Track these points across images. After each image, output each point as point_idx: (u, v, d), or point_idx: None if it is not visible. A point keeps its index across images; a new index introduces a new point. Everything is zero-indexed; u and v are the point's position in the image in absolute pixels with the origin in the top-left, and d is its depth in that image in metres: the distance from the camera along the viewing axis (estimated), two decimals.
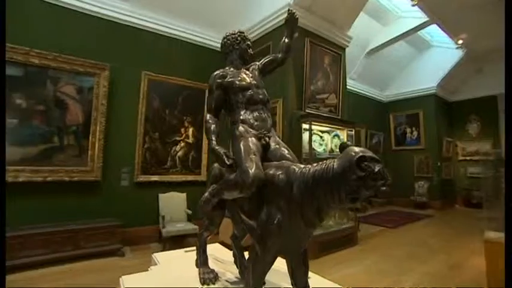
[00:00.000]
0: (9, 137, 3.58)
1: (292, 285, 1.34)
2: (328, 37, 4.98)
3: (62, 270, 3.36)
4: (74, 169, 4.01)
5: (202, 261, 1.71)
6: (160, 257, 2.13)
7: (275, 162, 1.36)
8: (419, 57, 9.19)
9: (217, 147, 1.45)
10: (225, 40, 1.80)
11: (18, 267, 3.24)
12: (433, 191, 8.69)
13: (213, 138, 1.50)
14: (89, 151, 4.13)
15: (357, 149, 1.05)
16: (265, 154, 1.44)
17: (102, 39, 4.38)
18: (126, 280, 1.67)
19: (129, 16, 4.59)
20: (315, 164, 1.16)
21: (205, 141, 5.33)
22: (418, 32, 7.64)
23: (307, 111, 4.53)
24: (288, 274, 1.35)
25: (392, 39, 7.43)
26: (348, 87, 7.47)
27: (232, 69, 1.70)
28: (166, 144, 4.96)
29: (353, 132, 4.90)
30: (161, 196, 4.69)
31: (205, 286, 1.55)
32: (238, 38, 1.76)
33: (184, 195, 4.88)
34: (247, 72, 1.71)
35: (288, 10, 1.73)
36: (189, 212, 4.68)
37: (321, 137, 4.62)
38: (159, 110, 4.90)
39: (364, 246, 4.62)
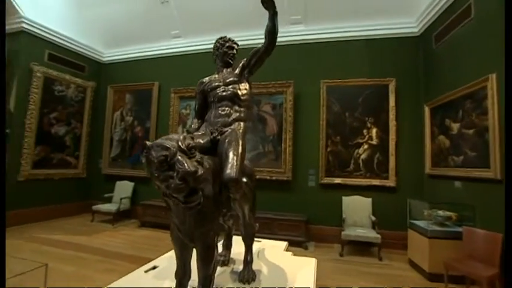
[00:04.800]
0: None
1: None
2: None
3: None
4: (272, 170, 5.08)
5: (224, 245, 2.09)
6: None
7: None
8: None
9: None
10: (212, 51, 1.94)
11: None
12: None
13: None
14: (282, 155, 5.06)
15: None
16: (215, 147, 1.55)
17: (286, 62, 5.20)
18: None
19: (304, 35, 5.14)
20: None
21: (391, 143, 4.78)
22: None
23: None
24: None
25: None
26: None
27: (213, 75, 1.86)
28: (348, 147, 4.98)
29: None
30: (344, 199, 4.77)
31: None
32: (217, 44, 1.88)
33: (369, 200, 4.65)
34: (229, 71, 1.82)
35: None
36: (373, 218, 4.39)
37: None
38: (339, 114, 5.03)
39: None
